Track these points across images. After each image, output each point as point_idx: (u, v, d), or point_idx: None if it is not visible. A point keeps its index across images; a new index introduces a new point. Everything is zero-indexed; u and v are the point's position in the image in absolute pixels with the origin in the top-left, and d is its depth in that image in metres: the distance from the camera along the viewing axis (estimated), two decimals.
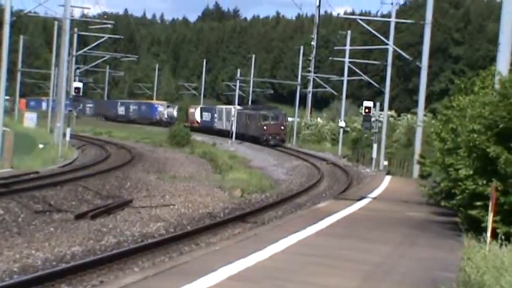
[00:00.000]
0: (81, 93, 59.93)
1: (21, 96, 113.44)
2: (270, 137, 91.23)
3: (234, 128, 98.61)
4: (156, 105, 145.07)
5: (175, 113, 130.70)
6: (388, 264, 15.99)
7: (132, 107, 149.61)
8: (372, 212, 27.19)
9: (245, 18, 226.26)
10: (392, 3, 63.75)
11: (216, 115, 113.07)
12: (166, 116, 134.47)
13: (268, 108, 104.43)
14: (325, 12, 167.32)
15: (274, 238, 17.97)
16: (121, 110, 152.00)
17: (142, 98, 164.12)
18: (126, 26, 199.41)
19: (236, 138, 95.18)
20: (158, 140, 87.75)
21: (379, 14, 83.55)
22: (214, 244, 20.25)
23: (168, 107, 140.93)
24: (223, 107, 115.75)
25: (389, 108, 69.06)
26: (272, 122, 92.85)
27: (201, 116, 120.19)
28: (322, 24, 69.68)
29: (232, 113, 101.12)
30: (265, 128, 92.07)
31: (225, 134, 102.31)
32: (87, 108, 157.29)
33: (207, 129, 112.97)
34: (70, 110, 63.72)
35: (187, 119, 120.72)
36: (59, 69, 66.79)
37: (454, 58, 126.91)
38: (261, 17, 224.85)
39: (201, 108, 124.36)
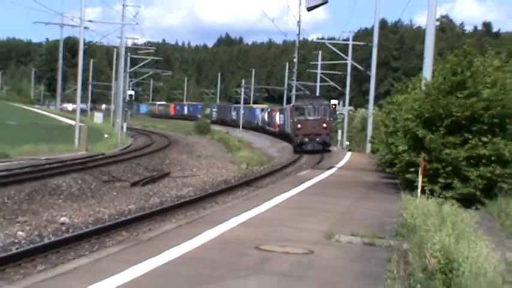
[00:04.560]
0: (133, 99, 60.13)
1: (92, 101, 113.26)
2: (307, 139, 47.96)
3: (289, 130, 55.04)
4: (255, 109, 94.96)
5: (266, 117, 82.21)
6: (349, 213, 16.04)
7: (241, 111, 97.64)
8: (338, 177, 27.24)
9: (247, 44, 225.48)
10: (349, 31, 64.43)
11: (284, 116, 63.62)
12: (261, 121, 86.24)
13: (307, 97, 57.61)
14: (303, 38, 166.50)
15: (269, 197, 18.01)
16: (234, 115, 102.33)
17: (176, 100, 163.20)
18: (164, 50, 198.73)
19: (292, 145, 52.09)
20: (187, 130, 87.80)
21: (341, 38, 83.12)
22: (227, 202, 20.30)
23: (262, 110, 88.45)
24: (288, 106, 63.23)
25: (349, 105, 69.08)
26: (310, 118, 48.46)
27: (279, 119, 70.11)
28: (301, 47, 69.50)
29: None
30: (299, 126, 48.20)
31: (289, 139, 56.02)
32: (213, 113, 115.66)
33: (281, 134, 66.72)
34: (126, 110, 63.74)
35: (273, 124, 75.41)
36: (117, 82, 66.75)
37: (393, 69, 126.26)
38: (258, 42, 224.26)
39: (279, 110, 73.70)
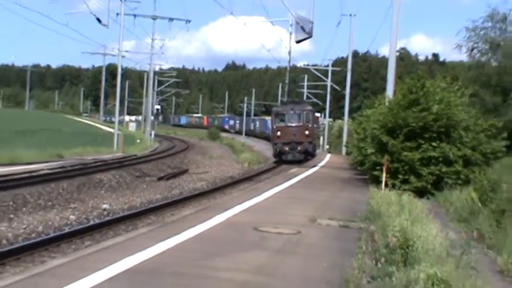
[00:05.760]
0: (160, 112, 60.04)
1: (128, 113, 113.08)
2: (287, 148, 34.17)
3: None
4: (267, 120, 73.30)
5: None
6: (329, 202, 16.03)
7: (257, 123, 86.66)
8: (320, 174, 27.21)
9: (249, 69, 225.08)
10: (329, 59, 64.72)
11: None
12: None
13: (289, 101, 38.87)
14: (293, 64, 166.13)
15: (266, 189, 18.02)
16: (252, 126, 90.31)
17: (193, 113, 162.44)
18: (184, 74, 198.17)
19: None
20: (201, 136, 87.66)
21: (322, 65, 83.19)
22: (233, 193, 20.31)
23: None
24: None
25: (329, 117, 69.13)
26: (290, 124, 34.12)
27: None
28: (291, 71, 69.29)
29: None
30: (278, 133, 34.26)
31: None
32: (236, 125, 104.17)
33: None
34: (154, 121, 63.74)
35: None
36: (147, 99, 66.76)
37: (363, 89, 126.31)
38: (258, 67, 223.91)
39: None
